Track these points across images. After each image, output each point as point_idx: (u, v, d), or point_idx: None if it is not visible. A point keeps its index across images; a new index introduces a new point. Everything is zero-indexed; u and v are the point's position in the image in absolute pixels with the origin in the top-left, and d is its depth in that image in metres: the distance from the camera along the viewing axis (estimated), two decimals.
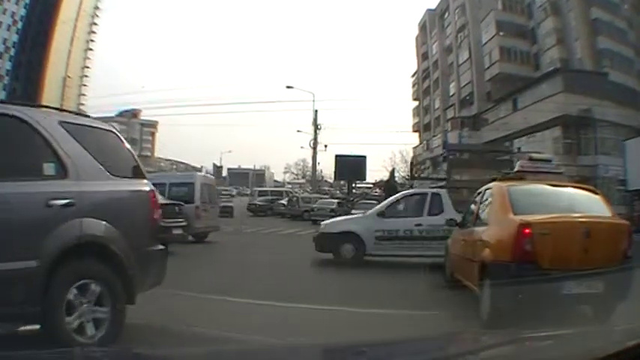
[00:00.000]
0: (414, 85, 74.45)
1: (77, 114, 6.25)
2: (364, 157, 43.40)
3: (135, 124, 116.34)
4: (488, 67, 53.20)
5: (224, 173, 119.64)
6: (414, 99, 73.58)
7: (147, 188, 6.16)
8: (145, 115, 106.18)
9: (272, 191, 54.50)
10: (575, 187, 9.13)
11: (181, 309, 7.36)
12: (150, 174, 8.64)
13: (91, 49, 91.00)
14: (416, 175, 27.36)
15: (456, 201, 15.67)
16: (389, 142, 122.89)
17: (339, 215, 21.74)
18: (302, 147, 79.64)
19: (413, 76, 74.94)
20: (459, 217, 13.47)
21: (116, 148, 6.07)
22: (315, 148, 48.25)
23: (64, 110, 6.10)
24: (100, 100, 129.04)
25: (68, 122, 5.52)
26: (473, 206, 9.43)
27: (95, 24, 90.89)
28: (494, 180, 9.17)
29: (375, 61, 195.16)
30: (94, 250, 5.27)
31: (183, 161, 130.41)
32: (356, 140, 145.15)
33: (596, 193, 8.47)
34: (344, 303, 8.39)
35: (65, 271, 4.92)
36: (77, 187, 5.23)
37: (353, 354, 2.43)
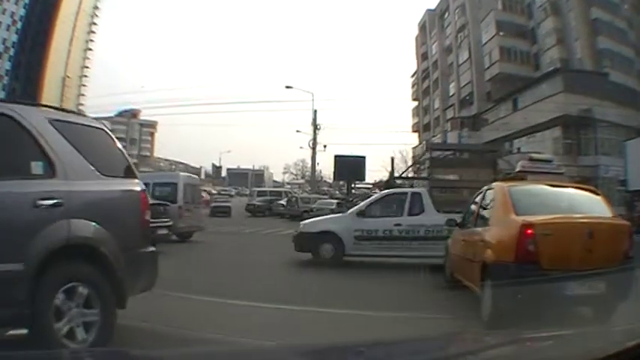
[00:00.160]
0: (413, 86, 74.47)
1: (67, 111, 6.02)
2: (363, 157, 43.32)
3: (134, 124, 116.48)
4: (488, 67, 53.19)
5: (223, 173, 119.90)
6: (414, 99, 73.63)
7: (138, 188, 5.98)
8: (144, 115, 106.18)
9: (271, 191, 54.44)
10: (576, 187, 9.09)
11: (171, 310, 7.23)
12: None
13: (90, 49, 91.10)
14: (397, 176, 27.39)
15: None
16: (388, 143, 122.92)
17: None
18: (301, 147, 79.63)
19: (412, 76, 74.99)
20: (440, 218, 13.34)
21: (107, 147, 5.89)
22: (314, 149, 48.25)
23: (54, 107, 5.91)
24: (100, 100, 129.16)
25: (57, 120, 5.35)
26: (473, 206, 9.34)
27: (94, 24, 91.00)
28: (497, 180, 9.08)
29: (375, 61, 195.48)
30: (83, 252, 5.10)
31: (182, 161, 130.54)
32: (355, 140, 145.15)
33: (597, 194, 8.42)
34: (343, 305, 8.27)
35: (53, 274, 4.75)
36: (66, 186, 5.06)
37: (351, 354, 2.38)
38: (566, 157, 34.81)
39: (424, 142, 65.11)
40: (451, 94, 61.32)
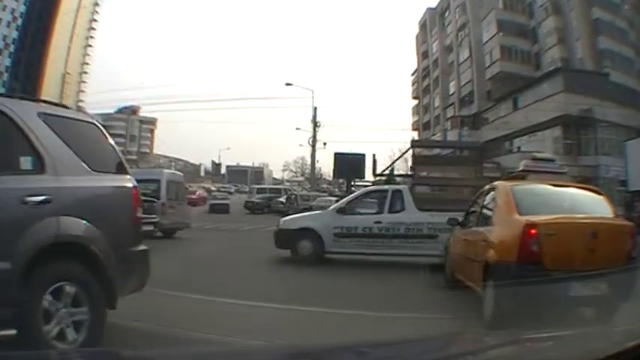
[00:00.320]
0: (413, 84, 74.37)
1: (57, 105, 5.83)
2: (363, 155, 43.12)
3: (134, 121, 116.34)
4: (488, 66, 53.14)
5: (223, 170, 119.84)
6: (414, 97, 73.53)
7: (129, 184, 5.82)
8: (144, 112, 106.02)
9: (270, 189, 54.45)
10: (578, 187, 9.05)
11: (161, 309, 7.10)
12: None
13: (90, 46, 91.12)
14: (379, 173, 27.14)
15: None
16: (388, 140, 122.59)
17: None
18: (301, 145, 79.72)
19: (413, 74, 74.89)
20: (421, 216, 13.54)
21: (98, 141, 5.72)
22: (314, 146, 48.15)
23: (43, 101, 5.71)
24: (99, 96, 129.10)
25: (47, 114, 5.18)
26: (475, 206, 9.30)
27: (95, 20, 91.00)
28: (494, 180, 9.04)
29: (375, 59, 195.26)
30: (72, 251, 4.93)
31: (182, 158, 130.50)
32: (355, 138, 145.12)
33: (600, 194, 8.38)
34: (344, 305, 8.16)
35: (41, 273, 4.59)
36: (55, 182, 4.90)
37: (352, 355, 2.36)
38: (566, 157, 34.74)
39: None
40: (451, 92, 61.27)
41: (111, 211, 5.47)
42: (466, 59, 57.23)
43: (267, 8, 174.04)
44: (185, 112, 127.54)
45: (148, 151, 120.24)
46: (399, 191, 14.26)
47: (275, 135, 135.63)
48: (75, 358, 2.94)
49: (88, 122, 5.79)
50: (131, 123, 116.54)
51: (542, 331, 2.47)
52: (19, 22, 76.56)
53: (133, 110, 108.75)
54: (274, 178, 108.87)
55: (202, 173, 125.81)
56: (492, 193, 8.48)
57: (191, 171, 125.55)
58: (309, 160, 61.05)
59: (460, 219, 9.86)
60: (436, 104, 65.68)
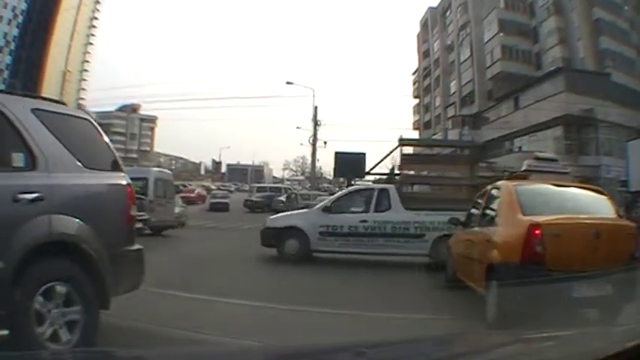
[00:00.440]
0: (414, 83, 74.38)
1: (50, 100, 5.66)
2: (364, 154, 42.98)
3: (134, 119, 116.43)
4: (489, 66, 53.11)
5: (223, 169, 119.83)
6: (415, 97, 73.51)
7: (123, 182, 5.69)
8: (144, 110, 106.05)
9: (270, 187, 54.34)
10: (581, 187, 8.97)
11: (154, 308, 7.00)
12: None
13: (91, 44, 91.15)
14: (367, 171, 26.82)
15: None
16: (389, 140, 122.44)
17: None
18: (301, 144, 79.68)
19: (414, 73, 74.93)
20: (408, 215, 13.49)
21: (91, 138, 5.58)
22: (314, 145, 48.03)
23: (36, 96, 5.57)
24: (100, 94, 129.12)
25: (41, 109, 5.05)
26: (477, 206, 9.23)
27: (96, 18, 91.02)
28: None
29: (376, 58, 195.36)
30: (65, 250, 4.77)
31: (182, 156, 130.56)
32: (356, 137, 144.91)
33: (602, 194, 8.32)
34: (345, 306, 8.06)
35: (33, 273, 4.44)
36: (47, 180, 4.76)
37: (352, 355, 2.31)
38: (567, 157, 34.63)
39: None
40: (452, 92, 61.25)
41: (104, 209, 5.35)
42: (467, 59, 57.20)
43: (268, 6, 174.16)
44: (186, 111, 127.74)
45: (148, 149, 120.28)
46: (386, 190, 14.20)
47: (275, 134, 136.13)
48: (69, 358, 2.90)
49: (81, 118, 5.67)
50: (131, 121, 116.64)
51: (542, 331, 2.45)
52: (20, 19, 76.60)
53: (133, 108, 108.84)
54: (274, 177, 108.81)
55: (202, 171, 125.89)
56: (495, 192, 8.41)
57: (191, 169, 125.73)
58: (309, 159, 61.06)
59: (462, 218, 9.80)
60: (437, 103, 65.67)
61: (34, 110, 4.95)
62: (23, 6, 76.75)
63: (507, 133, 45.07)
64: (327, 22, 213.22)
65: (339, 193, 15.80)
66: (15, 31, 76.29)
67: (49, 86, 73.69)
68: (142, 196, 17.23)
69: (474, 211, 9.36)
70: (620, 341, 1.85)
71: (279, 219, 15.12)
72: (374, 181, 17.60)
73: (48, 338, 4.48)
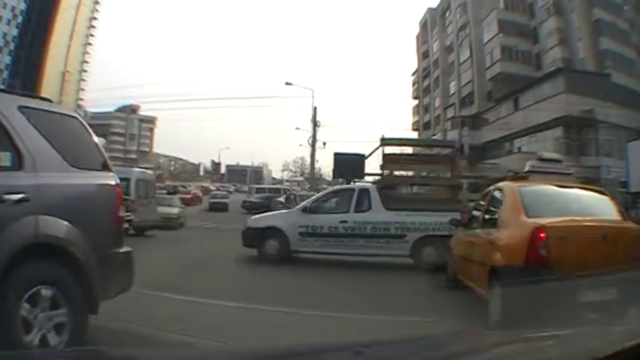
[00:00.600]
0: (414, 84, 74.34)
1: (37, 98, 5.48)
2: (363, 155, 43.08)
3: (133, 120, 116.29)
4: (489, 67, 53.05)
5: (222, 170, 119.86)
6: (414, 97, 73.47)
7: (112, 182, 5.52)
8: (143, 111, 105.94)
9: (270, 188, 54.31)
10: (585, 188, 8.87)
11: (145, 310, 6.90)
12: None
13: (90, 44, 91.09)
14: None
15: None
16: None
17: None
18: (300, 145, 79.61)
19: (413, 74, 74.88)
20: (388, 215, 13.46)
21: (80, 137, 5.39)
22: (313, 146, 47.90)
23: (23, 94, 5.34)
24: (99, 94, 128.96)
25: (28, 107, 4.88)
26: (479, 207, 9.13)
27: (95, 18, 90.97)
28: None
29: (376, 59, 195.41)
30: (51, 253, 4.58)
31: (181, 157, 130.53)
32: (355, 138, 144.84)
33: (605, 195, 8.22)
34: (346, 308, 7.99)
35: (18, 277, 4.25)
36: (34, 180, 4.59)
37: (350, 354, 2.28)
38: (567, 158, 34.34)
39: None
40: (452, 92, 61.18)
41: (92, 210, 5.18)
42: (467, 59, 57.14)
43: (267, 7, 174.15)
44: (185, 111, 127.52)
45: (147, 149, 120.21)
46: (366, 190, 14.17)
47: (275, 135, 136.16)
48: (59, 357, 2.85)
49: (69, 116, 5.50)
50: (130, 122, 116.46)
51: (541, 331, 2.43)
52: (19, 19, 76.52)
53: (132, 109, 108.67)
54: (274, 178, 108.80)
55: (202, 172, 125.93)
56: (498, 193, 8.30)
57: (191, 170, 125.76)
58: (308, 160, 60.92)
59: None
60: (436, 104, 65.61)
61: (20, 108, 4.79)
62: (22, 6, 76.68)
63: (507, 134, 45.05)
64: (326, 22, 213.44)
65: (320, 193, 15.73)
66: (14, 32, 76.25)
67: (49, 86, 73.64)
68: (125, 197, 17.27)
69: (475, 212, 9.27)
70: (618, 341, 1.84)
71: (259, 219, 15.10)
72: (373, 182, 17.52)
73: (37, 345, 4.32)
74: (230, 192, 65.31)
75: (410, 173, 17.40)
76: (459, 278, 9.11)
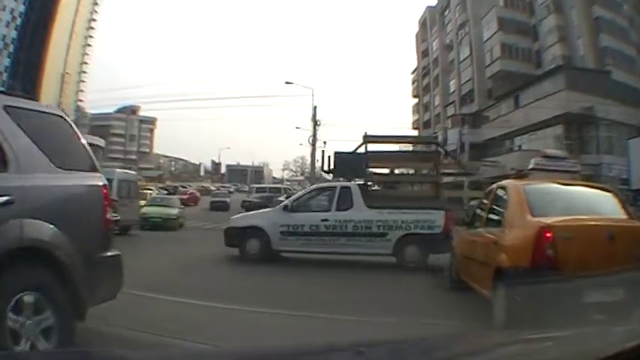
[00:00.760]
0: (413, 82, 74.32)
1: (22, 97, 5.24)
2: (364, 153, 42.91)
3: (134, 121, 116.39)
4: (489, 65, 53.00)
5: (222, 170, 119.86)
6: (414, 96, 73.43)
7: (99, 183, 5.32)
8: (143, 111, 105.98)
9: (270, 188, 54.34)
10: (589, 186, 8.73)
11: (132, 312, 6.72)
12: None
13: (89, 45, 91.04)
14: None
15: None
16: None
17: None
18: (301, 144, 79.50)
19: (413, 72, 74.84)
20: (370, 213, 13.38)
21: (66, 137, 5.22)
22: (313, 145, 47.79)
23: (6, 93, 5.15)
24: (98, 95, 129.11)
25: (13, 107, 4.69)
26: (482, 206, 9.01)
27: (94, 20, 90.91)
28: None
29: (375, 58, 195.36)
30: (37, 257, 4.37)
31: (182, 158, 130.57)
32: (355, 137, 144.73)
33: (611, 192, 8.09)
34: (347, 311, 7.84)
35: (5, 282, 4.07)
36: (19, 181, 4.41)
37: (351, 354, 2.23)
38: (568, 156, 34.59)
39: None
40: (452, 91, 61.13)
41: (79, 212, 5.00)
42: (466, 57, 57.10)
43: (266, 5, 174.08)
44: (185, 111, 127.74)
45: (147, 150, 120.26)
46: (348, 188, 14.07)
47: (275, 134, 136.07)
48: (48, 359, 2.80)
49: (55, 115, 5.31)
50: (131, 122, 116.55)
51: (541, 331, 2.43)
52: (19, 21, 76.43)
53: (132, 110, 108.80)
54: (274, 178, 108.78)
55: (202, 172, 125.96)
56: (502, 192, 8.15)
57: (191, 170, 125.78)
58: (309, 160, 60.87)
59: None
60: (436, 103, 65.58)
61: (5, 107, 4.61)
62: (22, 8, 76.61)
63: (507, 132, 44.98)
64: (326, 21, 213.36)
65: (302, 191, 15.63)
66: (14, 34, 76.16)
67: (48, 88, 73.68)
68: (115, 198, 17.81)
69: (478, 211, 9.15)
70: (619, 342, 1.82)
71: (241, 219, 15.02)
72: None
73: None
74: (231, 192, 65.43)
75: (396, 171, 17.31)
76: (462, 278, 9.00)
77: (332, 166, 15.90)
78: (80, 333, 4.71)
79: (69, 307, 4.49)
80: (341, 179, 15.60)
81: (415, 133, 70.36)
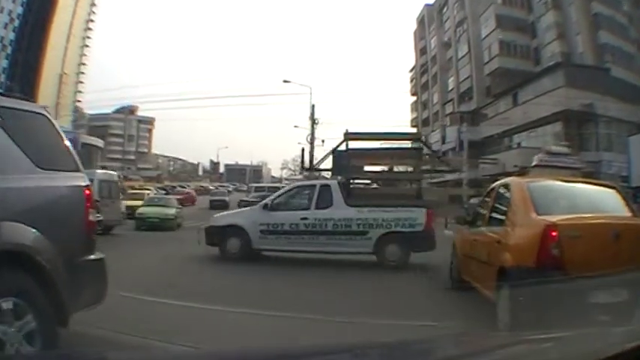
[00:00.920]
0: (412, 80, 74.33)
1: (2, 95, 5.02)
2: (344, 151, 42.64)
3: (132, 121, 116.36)
4: (487, 62, 52.98)
5: (221, 169, 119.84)
6: (413, 94, 73.43)
7: (82, 183, 5.11)
8: (141, 111, 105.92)
9: (268, 187, 54.30)
10: (594, 183, 8.61)
11: (118, 312, 6.52)
12: None
13: (87, 46, 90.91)
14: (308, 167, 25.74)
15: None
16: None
17: None
18: (299, 143, 79.43)
19: (411, 70, 74.82)
20: (350, 212, 13.29)
21: (47, 135, 5.00)
22: (312, 143, 47.78)
23: None
24: (96, 95, 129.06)
25: None
26: (484, 204, 8.89)
27: (92, 20, 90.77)
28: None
29: (373, 56, 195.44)
30: (16, 262, 4.12)
31: (180, 157, 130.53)
32: None
33: (615, 189, 7.98)
34: (347, 312, 7.73)
35: None
36: None
37: (349, 356, 2.26)
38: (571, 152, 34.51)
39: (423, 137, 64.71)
40: (450, 88, 61.11)
41: (61, 214, 4.78)
42: (465, 55, 57.06)
43: (264, 4, 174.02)
44: (183, 111, 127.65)
45: (146, 150, 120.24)
46: (327, 186, 14.00)
47: (273, 133, 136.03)
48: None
49: (35, 113, 5.04)
50: (129, 123, 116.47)
51: (542, 332, 2.43)
52: (16, 23, 76.31)
53: (130, 110, 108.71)
54: (273, 177, 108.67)
55: (200, 172, 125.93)
56: (504, 190, 8.02)
57: (190, 170, 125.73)
58: (307, 158, 60.83)
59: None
60: (435, 100, 65.55)
61: None
62: (19, 10, 76.49)
63: (506, 130, 44.93)
64: (323, 19, 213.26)
65: (282, 190, 15.57)
66: (11, 35, 76.01)
67: (46, 89, 73.52)
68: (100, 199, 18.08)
69: (480, 209, 9.03)
70: (619, 342, 1.83)
71: (221, 218, 14.98)
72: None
73: None
74: (229, 191, 65.40)
75: (377, 168, 17.22)
76: (464, 278, 8.87)
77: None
78: (64, 336, 4.53)
79: (51, 312, 4.27)
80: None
81: (414, 130, 70.45)
